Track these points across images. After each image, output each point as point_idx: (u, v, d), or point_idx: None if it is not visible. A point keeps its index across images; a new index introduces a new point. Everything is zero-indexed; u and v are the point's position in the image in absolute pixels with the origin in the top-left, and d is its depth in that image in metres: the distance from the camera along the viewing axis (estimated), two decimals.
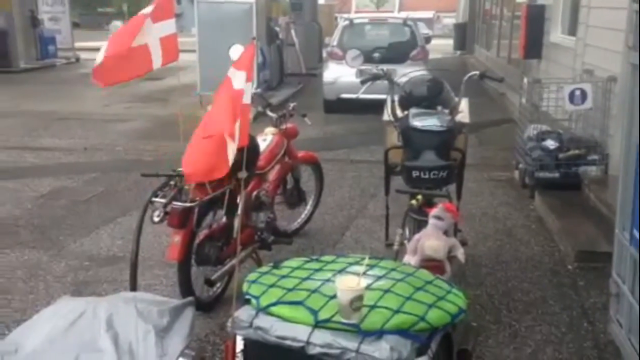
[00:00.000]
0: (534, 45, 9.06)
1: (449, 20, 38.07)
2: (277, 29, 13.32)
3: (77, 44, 20.03)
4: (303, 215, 4.91)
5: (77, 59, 18.96)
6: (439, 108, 3.50)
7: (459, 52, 20.88)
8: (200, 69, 10.18)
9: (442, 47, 22.49)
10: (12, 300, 3.76)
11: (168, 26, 3.33)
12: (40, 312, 2.15)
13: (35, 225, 5.06)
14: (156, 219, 3.22)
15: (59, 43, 18.69)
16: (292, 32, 14.61)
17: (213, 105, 2.42)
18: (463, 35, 20.25)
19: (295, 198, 4.67)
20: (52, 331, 1.94)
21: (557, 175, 5.54)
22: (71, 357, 1.85)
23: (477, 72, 3.82)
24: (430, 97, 3.60)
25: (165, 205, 3.22)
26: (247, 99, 2.35)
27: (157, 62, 3.39)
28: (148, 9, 3.39)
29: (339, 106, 9.93)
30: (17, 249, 4.55)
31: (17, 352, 1.91)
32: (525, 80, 6.40)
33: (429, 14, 40.24)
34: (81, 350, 1.87)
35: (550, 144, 5.73)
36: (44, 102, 11.28)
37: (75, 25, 22.90)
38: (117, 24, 25.52)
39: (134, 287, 3.15)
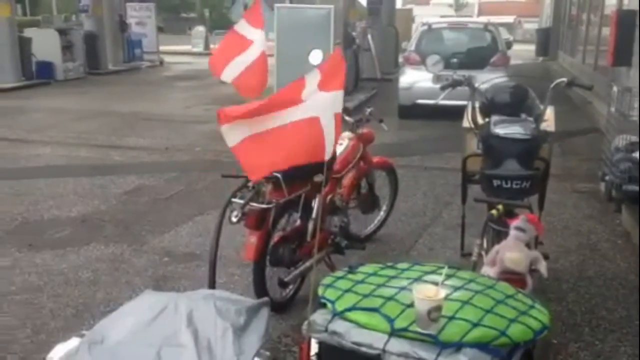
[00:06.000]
0: (624, 52, 8.58)
1: (530, 26, 36.98)
2: (354, 33, 13.36)
3: (161, 48, 20.89)
4: (376, 221, 4.88)
5: (161, 62, 19.76)
6: (523, 116, 3.38)
7: (541, 58, 20.19)
8: (278, 73, 10.34)
9: (523, 52, 21.84)
10: (97, 292, 3.95)
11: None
12: (124, 304, 2.23)
13: (119, 220, 5.30)
14: (234, 220, 3.29)
15: (144, 46, 19.57)
16: (369, 36, 14.62)
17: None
18: (546, 41, 19.55)
19: (369, 203, 4.65)
20: (136, 324, 2.01)
21: None
22: (154, 350, 1.90)
23: (565, 80, 3.65)
24: (513, 104, 3.48)
25: (243, 206, 3.28)
26: (339, 108, 2.33)
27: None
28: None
29: (413, 112, 9.82)
30: (102, 242, 4.78)
31: (102, 343, 1.99)
32: (614, 88, 6.09)
33: (509, 19, 39.26)
34: (163, 344, 1.92)
35: None
36: (129, 103, 11.82)
37: (159, 29, 23.89)
38: (199, 28, 26.42)
39: (212, 285, 3.23)
